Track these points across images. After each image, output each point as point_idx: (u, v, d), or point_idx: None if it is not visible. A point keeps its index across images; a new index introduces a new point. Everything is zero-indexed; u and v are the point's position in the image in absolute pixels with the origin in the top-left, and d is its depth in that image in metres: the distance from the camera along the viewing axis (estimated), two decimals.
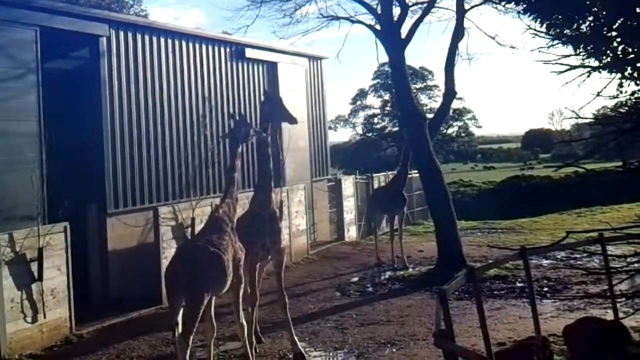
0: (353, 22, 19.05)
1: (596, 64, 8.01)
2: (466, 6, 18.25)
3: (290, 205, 17.63)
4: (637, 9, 7.69)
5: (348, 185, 23.12)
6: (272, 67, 20.48)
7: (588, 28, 8.12)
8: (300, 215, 18.64)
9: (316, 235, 21.74)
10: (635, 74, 7.89)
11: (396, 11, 17.44)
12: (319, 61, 23.35)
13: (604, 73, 7.97)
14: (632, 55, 7.92)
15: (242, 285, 9.42)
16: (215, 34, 19.15)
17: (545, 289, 13.84)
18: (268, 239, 10.24)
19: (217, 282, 8.57)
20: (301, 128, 20.94)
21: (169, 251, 13.66)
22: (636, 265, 8.65)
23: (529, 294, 9.51)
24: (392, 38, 17.17)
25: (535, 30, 8.31)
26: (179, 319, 8.17)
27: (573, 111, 8.27)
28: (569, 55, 8.06)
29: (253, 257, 10.18)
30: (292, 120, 10.95)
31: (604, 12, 7.92)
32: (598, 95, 7.86)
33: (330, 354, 10.52)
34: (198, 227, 13.51)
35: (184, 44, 16.79)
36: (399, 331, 11.37)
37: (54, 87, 13.68)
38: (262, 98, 10.78)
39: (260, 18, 20.07)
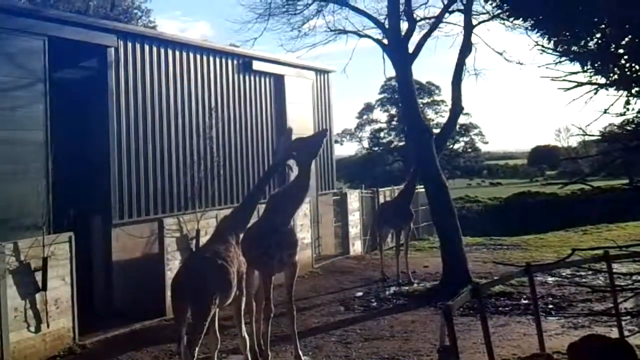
0: (361, 36, 19.08)
1: (603, 81, 8.01)
2: (474, 22, 18.30)
3: (295, 219, 17.60)
4: None
5: (353, 199, 23.10)
6: (279, 80, 20.50)
7: (596, 45, 8.12)
8: (305, 228, 18.61)
9: (321, 249, 21.69)
10: None
11: (404, 26, 17.49)
12: (326, 75, 23.36)
13: (611, 90, 7.96)
14: (639, 73, 7.91)
15: (244, 299, 9.43)
16: (222, 46, 19.20)
17: (550, 306, 13.78)
18: (286, 253, 10.28)
19: (224, 294, 8.59)
20: None
21: (173, 263, 13.66)
22: None
23: (533, 311, 9.49)
24: (400, 52, 17.19)
25: (542, 46, 8.31)
26: (184, 330, 8.17)
27: (580, 128, 8.23)
28: (576, 72, 8.06)
29: (270, 270, 10.20)
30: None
31: (612, 30, 7.92)
32: (605, 112, 7.85)
33: None
34: (203, 239, 13.51)
35: (191, 55, 16.82)
36: (403, 347, 11.33)
37: (61, 96, 13.73)
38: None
39: (267, 31, 20.11)
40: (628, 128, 8.21)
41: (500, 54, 19.70)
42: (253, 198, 10.67)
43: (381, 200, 23.82)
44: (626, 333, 9.31)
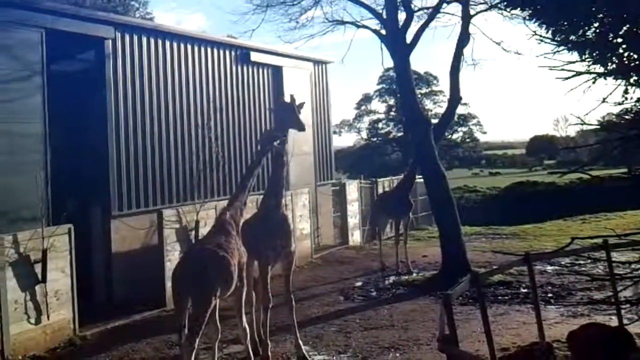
0: (358, 26, 19.04)
1: (601, 70, 8.01)
2: (472, 12, 18.23)
3: (294, 209, 17.62)
4: None
5: (352, 189, 23.13)
6: (277, 71, 20.50)
7: (594, 34, 8.12)
8: (304, 219, 18.63)
9: (320, 239, 21.71)
10: None
11: (402, 16, 17.42)
12: (323, 65, 23.34)
13: (610, 79, 7.96)
14: (637, 62, 7.91)
15: (245, 289, 9.44)
16: (220, 37, 19.19)
17: (550, 294, 13.80)
18: (279, 242, 10.26)
19: (225, 285, 8.60)
20: (306, 132, 20.92)
21: (172, 254, 13.67)
22: None
23: (533, 300, 9.49)
24: (398, 43, 17.16)
25: (540, 36, 8.31)
26: (185, 321, 8.18)
27: (578, 117, 8.24)
28: (574, 62, 8.05)
29: (265, 260, 10.20)
30: (302, 127, 10.83)
31: (610, 19, 7.91)
32: (603, 101, 7.85)
33: (334, 357, 10.49)
34: (202, 230, 13.52)
35: (189, 47, 16.81)
36: (402, 336, 11.35)
37: (59, 88, 13.71)
38: (273, 105, 10.81)
39: (265, 22, 20.13)
40: (626, 117, 8.21)
41: (498, 43, 19.65)
42: (244, 183, 10.47)
43: (380, 190, 23.85)
44: (625, 321, 9.31)
